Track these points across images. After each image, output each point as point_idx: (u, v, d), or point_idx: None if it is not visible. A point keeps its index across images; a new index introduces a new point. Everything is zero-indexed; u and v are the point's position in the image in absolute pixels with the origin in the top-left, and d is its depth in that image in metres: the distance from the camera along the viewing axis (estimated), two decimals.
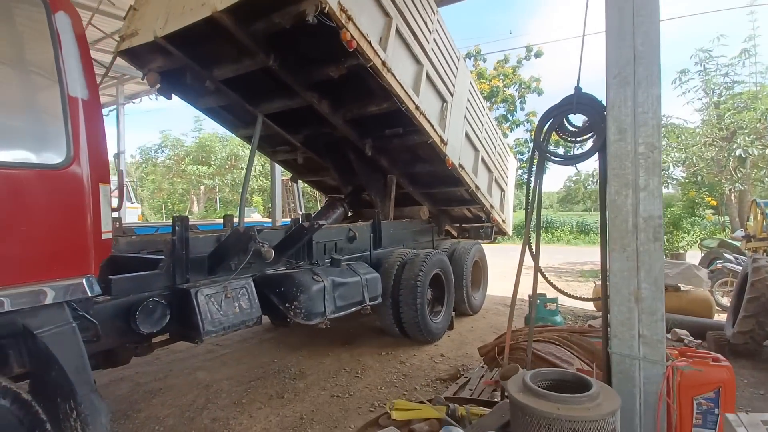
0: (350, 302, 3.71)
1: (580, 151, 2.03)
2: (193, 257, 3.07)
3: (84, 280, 1.87)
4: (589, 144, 1.88)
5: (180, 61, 4.16)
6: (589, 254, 14.86)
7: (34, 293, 1.74)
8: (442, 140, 4.90)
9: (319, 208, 6.31)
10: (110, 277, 2.58)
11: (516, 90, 21.73)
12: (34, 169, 1.74)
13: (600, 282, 6.26)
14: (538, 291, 4.99)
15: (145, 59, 4.39)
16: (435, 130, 4.76)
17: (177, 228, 2.97)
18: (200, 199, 27.21)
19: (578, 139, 2.01)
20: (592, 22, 2.44)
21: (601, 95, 2.00)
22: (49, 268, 1.77)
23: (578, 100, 1.98)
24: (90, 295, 1.89)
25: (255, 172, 23.25)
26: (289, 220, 11.09)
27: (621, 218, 1.58)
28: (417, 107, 4.39)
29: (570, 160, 2.05)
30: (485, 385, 3.27)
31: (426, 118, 4.55)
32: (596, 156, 1.99)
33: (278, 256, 3.60)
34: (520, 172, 20.20)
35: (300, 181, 9.19)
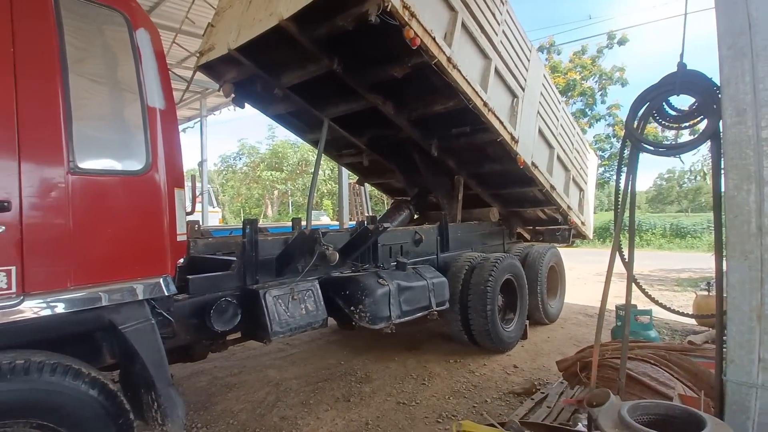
0: (416, 307, 3.60)
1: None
2: (262, 259, 3.16)
3: (161, 280, 1.97)
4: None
5: (251, 71, 4.35)
6: (686, 260, 13.25)
7: (124, 290, 1.87)
8: (512, 138, 4.62)
9: (385, 211, 6.29)
10: (188, 276, 2.73)
11: (596, 82, 20.24)
12: (118, 176, 1.87)
13: (700, 292, 5.47)
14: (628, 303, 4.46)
15: (220, 71, 4.67)
16: (505, 128, 4.49)
17: (247, 231, 3.08)
18: (274, 203, 28.81)
19: (683, 124, 1.70)
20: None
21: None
22: (130, 268, 1.89)
23: (683, 79, 1.65)
24: (166, 293, 2.00)
25: (324, 176, 24.09)
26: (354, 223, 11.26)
27: (741, 219, 1.28)
28: (485, 104, 4.17)
29: (673, 149, 1.73)
30: (565, 404, 2.97)
31: (495, 115, 4.31)
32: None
33: (343, 259, 3.59)
34: (601, 170, 18.64)
35: (367, 184, 9.30)
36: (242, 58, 4.09)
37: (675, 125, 1.75)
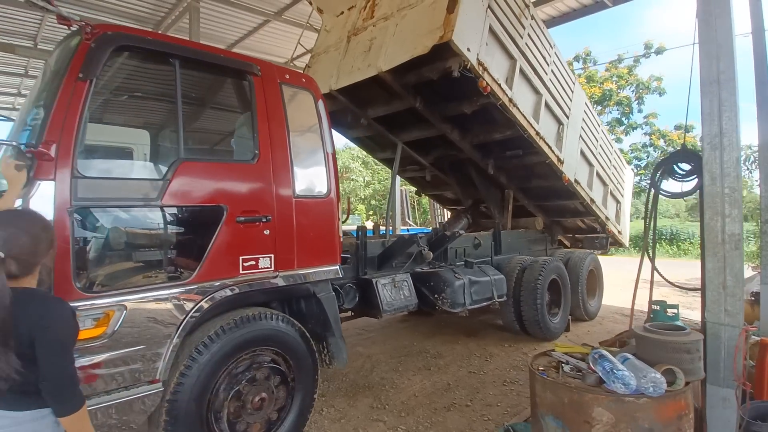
0: (483, 297, 4.52)
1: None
2: (368, 256, 4.17)
3: (338, 267, 3.00)
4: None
5: (343, 105, 5.39)
6: None
7: (323, 272, 2.93)
8: (558, 159, 5.47)
9: (432, 218, 7.17)
10: None
11: (632, 91, 20.42)
12: (314, 199, 2.91)
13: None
14: (659, 298, 5.29)
15: None
16: (552, 151, 5.35)
17: (359, 234, 4.09)
18: None
19: (685, 179, 2.66)
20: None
21: None
22: (320, 258, 2.92)
23: (684, 154, 2.67)
24: (340, 276, 3.02)
25: (363, 183, 25.22)
26: (406, 228, 12.26)
27: (713, 234, 2.24)
28: (537, 133, 5.05)
29: (676, 195, 2.72)
30: None
31: (545, 142, 5.18)
32: None
33: (423, 258, 4.56)
34: (637, 179, 18.83)
35: (405, 192, 10.21)
36: (339, 96, 5.14)
37: (680, 180, 2.68)
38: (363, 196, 27.21)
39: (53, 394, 1.29)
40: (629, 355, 1.93)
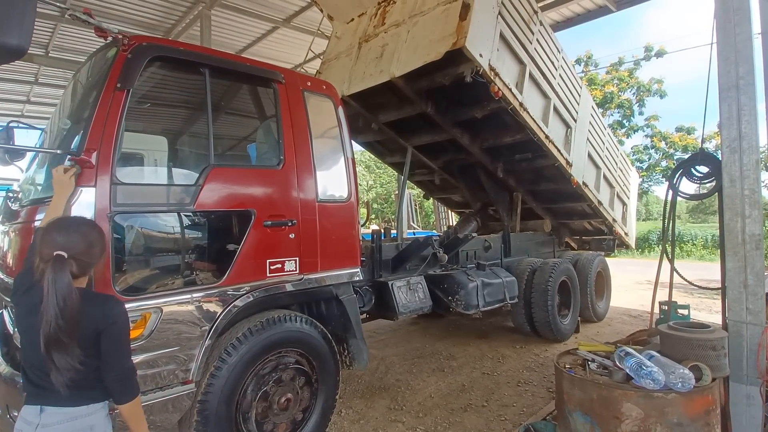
0: (496, 299, 4.56)
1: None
2: (383, 259, 4.22)
3: (358, 270, 3.05)
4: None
5: (355, 110, 5.46)
6: None
7: (345, 274, 2.99)
8: (567, 162, 5.53)
9: (437, 221, 7.22)
10: None
11: (633, 94, 20.50)
12: (336, 203, 2.97)
13: None
14: (665, 299, 5.33)
15: None
16: (561, 154, 5.41)
17: (374, 238, 4.15)
18: None
19: (703, 182, 2.72)
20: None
21: None
22: (342, 260, 2.97)
23: (702, 157, 2.77)
24: (360, 278, 3.07)
25: (366, 186, 25.34)
26: (411, 231, 12.31)
27: (733, 235, 2.32)
28: (546, 136, 5.11)
29: (695, 197, 2.80)
30: None
31: (554, 145, 5.24)
32: None
33: (436, 261, 4.61)
34: (639, 180, 18.93)
35: (410, 195, 10.21)
36: (351, 101, 5.21)
37: (697, 183, 2.74)
38: (364, 200, 27.34)
39: (117, 384, 1.40)
40: (654, 353, 1.98)
